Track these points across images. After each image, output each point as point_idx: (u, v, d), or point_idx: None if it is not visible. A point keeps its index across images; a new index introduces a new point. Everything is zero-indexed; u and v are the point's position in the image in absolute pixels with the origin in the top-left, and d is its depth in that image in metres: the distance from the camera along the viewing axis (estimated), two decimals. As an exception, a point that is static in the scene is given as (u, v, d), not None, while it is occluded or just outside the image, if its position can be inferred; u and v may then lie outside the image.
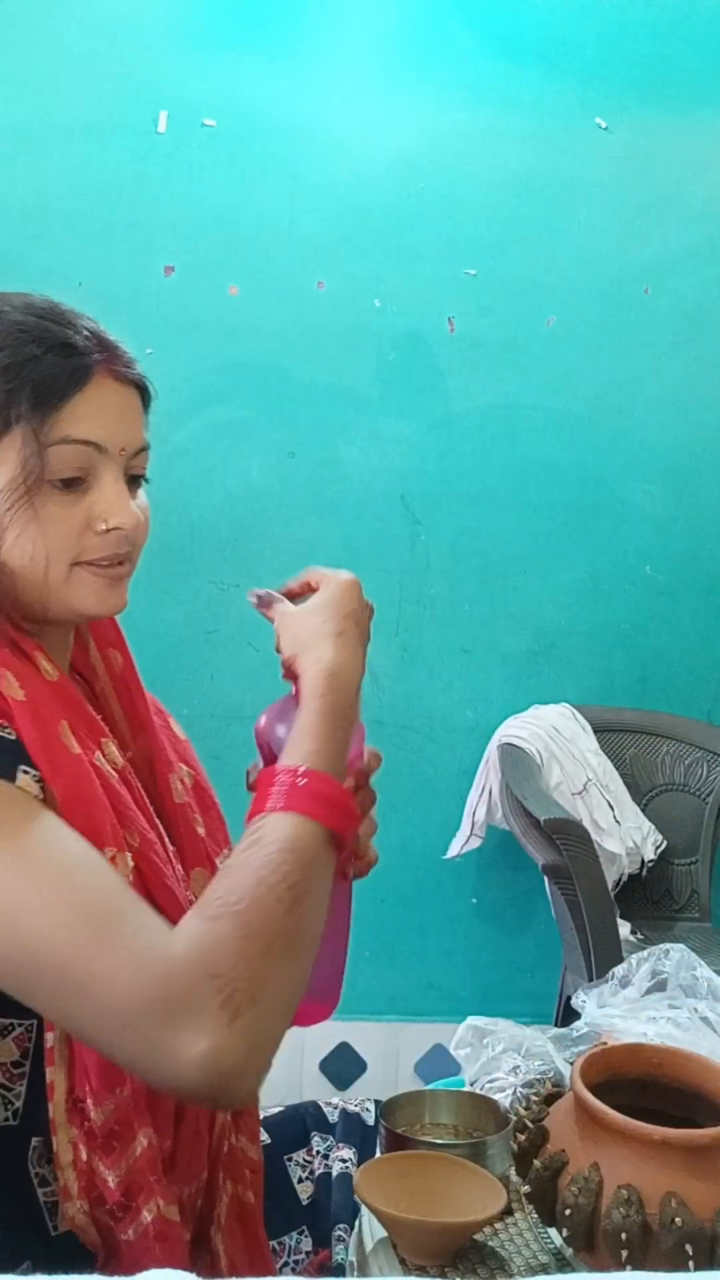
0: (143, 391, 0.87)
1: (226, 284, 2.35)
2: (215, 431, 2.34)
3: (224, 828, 0.98)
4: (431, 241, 2.38)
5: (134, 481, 0.87)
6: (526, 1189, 0.80)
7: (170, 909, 0.79)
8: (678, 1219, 0.71)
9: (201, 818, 0.94)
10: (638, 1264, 0.72)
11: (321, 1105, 1.14)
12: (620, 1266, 0.73)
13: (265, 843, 0.73)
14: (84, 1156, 0.77)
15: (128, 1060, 0.69)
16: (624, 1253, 0.72)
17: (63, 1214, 0.78)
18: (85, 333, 0.83)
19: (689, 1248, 0.71)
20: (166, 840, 0.87)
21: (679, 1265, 0.71)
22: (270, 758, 0.86)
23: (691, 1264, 0.71)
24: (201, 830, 0.93)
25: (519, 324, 2.41)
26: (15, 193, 2.27)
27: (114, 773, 0.82)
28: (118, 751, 0.84)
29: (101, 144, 2.29)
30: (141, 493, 0.89)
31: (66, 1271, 0.52)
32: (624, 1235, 0.72)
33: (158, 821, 0.87)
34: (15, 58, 2.27)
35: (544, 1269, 0.82)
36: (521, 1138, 0.84)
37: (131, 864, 0.78)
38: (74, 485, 0.81)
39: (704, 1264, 0.71)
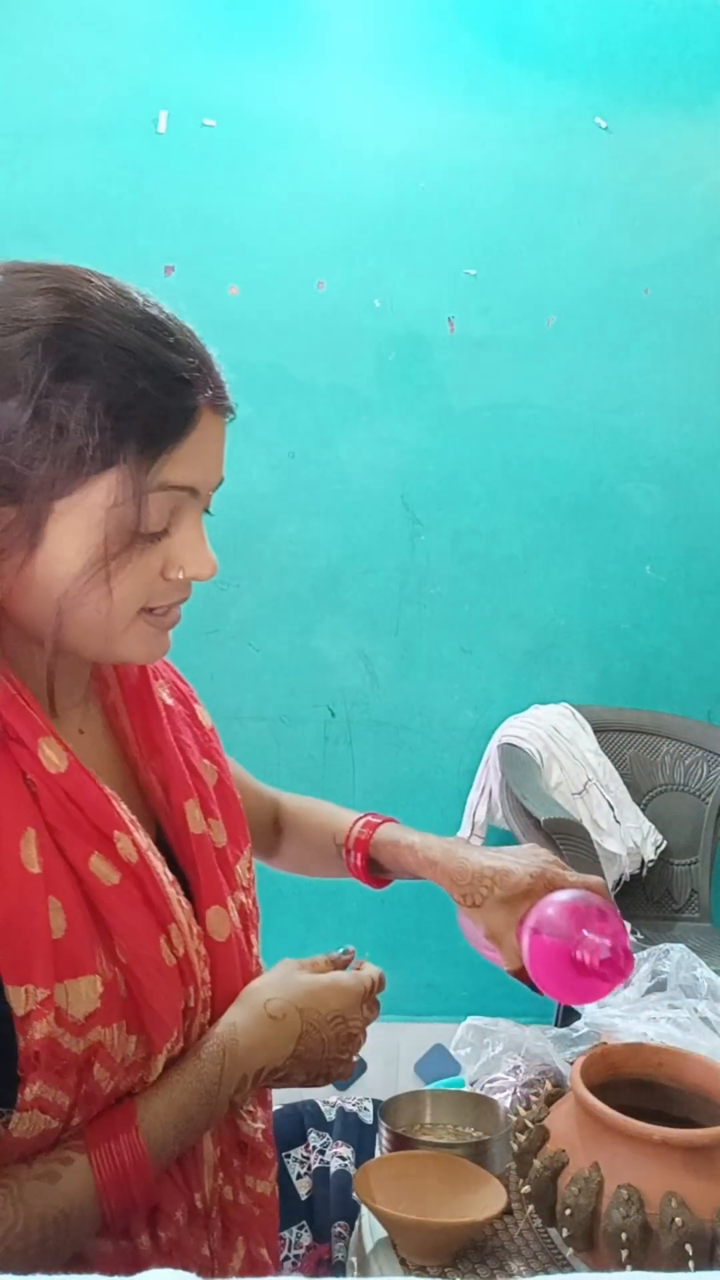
0: (230, 414, 0.80)
1: (226, 284, 2.35)
2: (215, 431, 2.33)
3: (244, 827, 0.93)
4: (431, 241, 2.38)
5: (203, 513, 0.81)
6: (527, 1189, 0.80)
7: (155, 1029, 0.75)
8: (678, 1219, 0.71)
9: (222, 821, 0.89)
10: (638, 1264, 0.72)
11: (320, 1104, 1.14)
12: (620, 1266, 0.73)
13: (58, 1199, 0.70)
14: None
15: None
16: (624, 1252, 0.72)
17: None
18: (194, 360, 0.75)
19: (689, 1248, 0.71)
20: (188, 916, 0.81)
21: (679, 1265, 0.71)
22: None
23: (692, 1264, 0.70)
24: (222, 840, 0.88)
25: (519, 324, 2.41)
26: (16, 192, 2.27)
27: (115, 874, 0.75)
28: (133, 846, 0.76)
29: (101, 144, 2.29)
30: (203, 521, 0.82)
31: None
32: (624, 1235, 0.72)
33: (179, 903, 0.80)
34: (15, 58, 2.27)
35: (544, 1269, 0.82)
36: (521, 1138, 0.84)
37: (100, 988, 0.72)
38: (157, 536, 0.74)
39: (704, 1264, 0.71)
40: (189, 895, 0.83)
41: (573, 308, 2.42)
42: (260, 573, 2.38)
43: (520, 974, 0.89)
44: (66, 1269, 0.74)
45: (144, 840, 0.78)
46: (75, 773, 0.74)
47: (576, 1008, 1.16)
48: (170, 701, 0.92)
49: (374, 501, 2.40)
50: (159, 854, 0.80)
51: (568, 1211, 0.76)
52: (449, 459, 2.41)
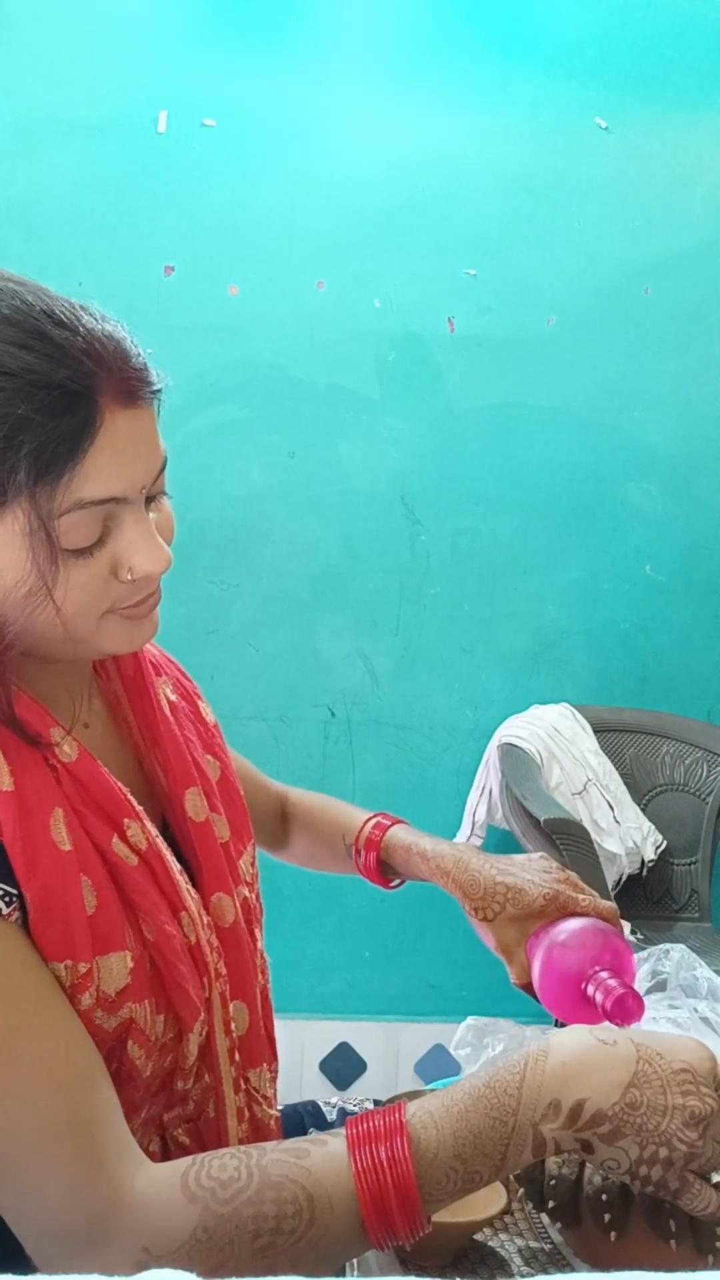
0: (155, 396, 0.74)
1: (226, 284, 2.35)
2: (215, 431, 2.34)
3: (247, 823, 0.93)
4: (431, 241, 2.38)
5: (152, 501, 0.76)
6: (516, 1170, 0.82)
7: (185, 1010, 0.75)
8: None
9: (225, 816, 0.89)
10: (620, 1226, 0.74)
11: (320, 1104, 1.14)
12: (604, 1232, 0.75)
13: (300, 1174, 0.64)
14: None
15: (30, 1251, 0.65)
16: (606, 1216, 0.74)
17: None
18: (87, 362, 0.67)
19: (667, 1206, 0.74)
20: (197, 906, 0.81)
21: (659, 1226, 0.73)
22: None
23: (672, 1223, 0.73)
24: (225, 834, 0.88)
25: (519, 324, 2.41)
26: (15, 192, 2.27)
27: (133, 856, 0.76)
28: (142, 833, 0.77)
29: (101, 144, 2.29)
30: (166, 502, 0.79)
31: None
32: (604, 1197, 0.75)
33: (188, 891, 0.80)
34: (15, 58, 2.27)
35: (544, 1269, 0.82)
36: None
37: (130, 964, 0.73)
38: (95, 547, 0.71)
39: (682, 1224, 0.73)
40: (194, 884, 0.84)
41: (573, 308, 2.42)
42: (260, 573, 2.38)
43: (527, 988, 0.89)
44: None
45: (151, 829, 0.79)
46: (85, 761, 0.76)
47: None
48: (174, 698, 0.93)
49: (374, 501, 2.40)
50: (165, 844, 0.81)
51: (552, 1182, 0.78)
52: (449, 459, 2.41)
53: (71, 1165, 0.64)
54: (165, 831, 0.85)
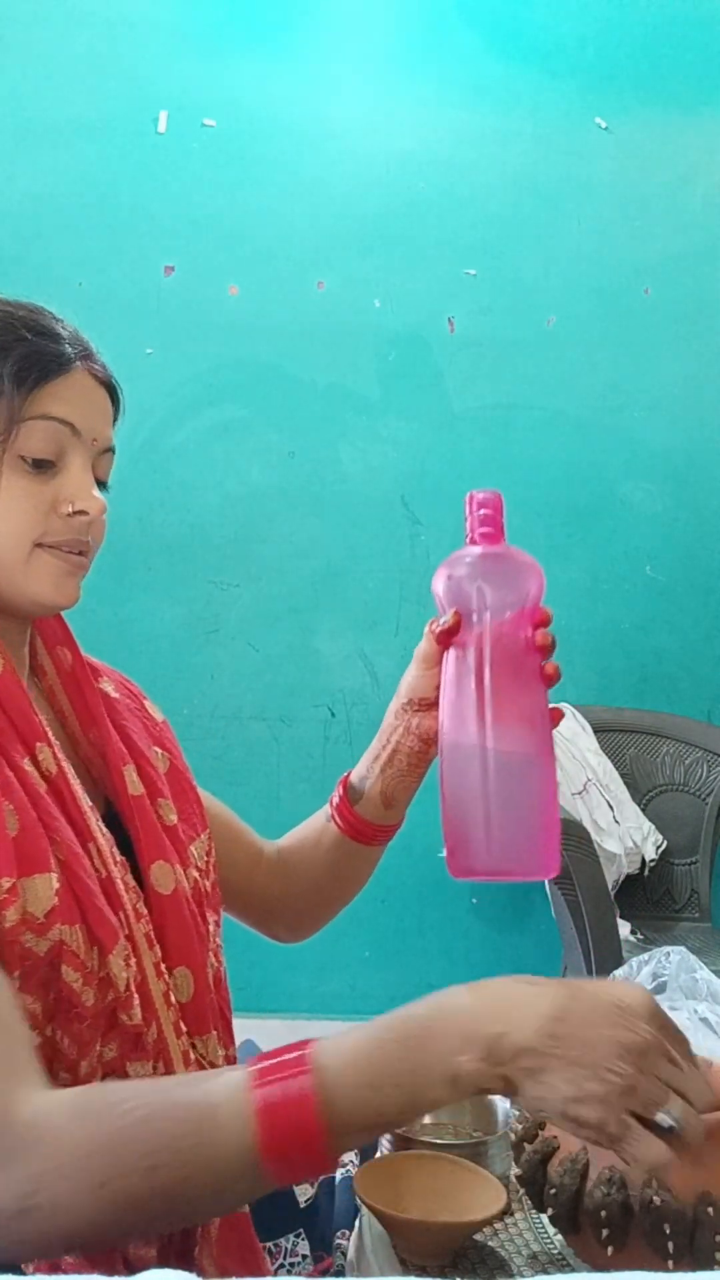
0: (114, 399, 0.88)
1: (226, 284, 2.35)
2: (215, 431, 2.34)
3: (201, 815, 0.95)
4: (431, 241, 2.38)
5: (98, 484, 0.87)
6: (518, 1172, 0.81)
7: (101, 929, 0.76)
8: (656, 1199, 0.72)
9: (174, 803, 0.92)
10: (618, 1243, 0.73)
11: None
12: (602, 1246, 0.74)
13: (196, 1095, 0.63)
14: None
15: None
16: (604, 1231, 0.73)
17: None
18: (69, 333, 0.85)
19: (667, 1228, 0.72)
20: (110, 845, 0.83)
21: (657, 1245, 0.72)
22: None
23: (670, 1245, 0.72)
24: (173, 818, 0.91)
25: (519, 324, 2.41)
26: (15, 193, 2.27)
27: (43, 782, 0.79)
28: (53, 757, 0.81)
29: (101, 144, 2.29)
30: (103, 497, 0.89)
31: None
32: (604, 1214, 0.73)
33: (99, 827, 0.83)
34: (15, 58, 2.27)
35: (544, 1269, 0.82)
36: (520, 1128, 0.85)
37: (56, 885, 0.74)
38: (44, 467, 0.82)
39: (682, 1245, 0.72)
40: (133, 855, 0.85)
41: (573, 308, 2.42)
42: (260, 573, 2.38)
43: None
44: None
45: (61, 756, 0.82)
46: (6, 676, 0.81)
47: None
48: (116, 695, 0.96)
49: (374, 501, 2.40)
50: (107, 832, 0.83)
51: (553, 1191, 0.77)
52: (449, 459, 2.41)
53: None
54: (109, 812, 0.87)
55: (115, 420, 0.89)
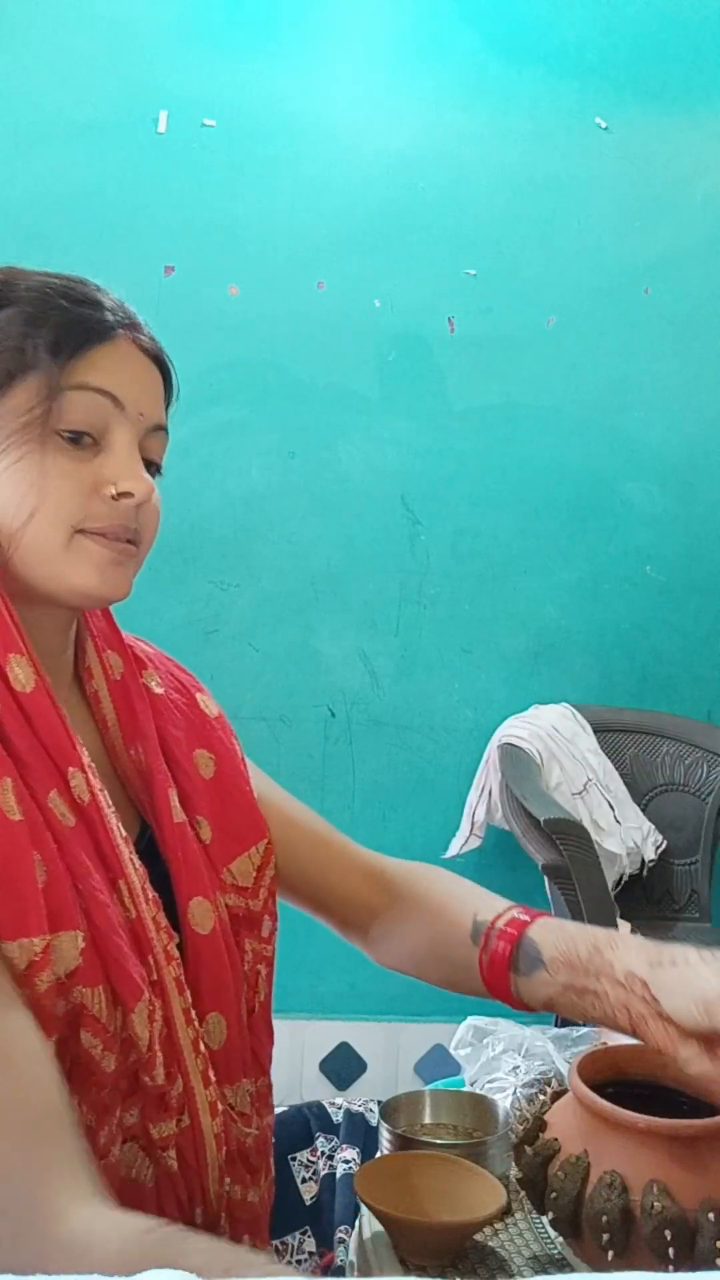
0: (164, 373, 0.82)
1: (226, 284, 2.35)
2: (215, 431, 2.34)
3: (248, 824, 0.87)
4: (431, 241, 2.38)
5: (148, 466, 0.79)
6: (519, 1174, 0.81)
7: (124, 987, 0.71)
8: (657, 1204, 0.72)
9: (211, 819, 0.84)
10: (619, 1249, 0.73)
11: (326, 1105, 1.13)
12: (603, 1251, 0.73)
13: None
14: None
15: None
16: (605, 1236, 0.73)
17: None
18: (113, 302, 0.80)
19: (668, 1234, 0.71)
20: (142, 880, 0.76)
21: (658, 1251, 0.71)
22: None
23: (671, 1250, 0.71)
24: (207, 835, 0.83)
25: (519, 324, 2.41)
26: (15, 193, 2.27)
27: (71, 816, 0.72)
28: (86, 785, 0.74)
29: (101, 144, 2.29)
30: (155, 483, 0.81)
31: None
32: (605, 1219, 0.73)
33: (131, 860, 0.76)
34: (15, 58, 2.27)
35: (544, 1269, 0.82)
36: (521, 1129, 0.84)
37: (81, 944, 0.69)
38: (84, 442, 0.75)
39: (684, 1251, 0.71)
40: (168, 887, 0.80)
41: (573, 308, 2.42)
42: (260, 573, 2.38)
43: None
44: None
45: (96, 782, 0.76)
46: (40, 696, 0.73)
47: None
48: (160, 690, 0.90)
49: (374, 501, 2.40)
50: (140, 866, 0.77)
51: (553, 1195, 0.77)
52: (449, 459, 2.41)
53: (12, 1159, 0.58)
54: (144, 833, 0.82)
55: (168, 401, 0.81)
